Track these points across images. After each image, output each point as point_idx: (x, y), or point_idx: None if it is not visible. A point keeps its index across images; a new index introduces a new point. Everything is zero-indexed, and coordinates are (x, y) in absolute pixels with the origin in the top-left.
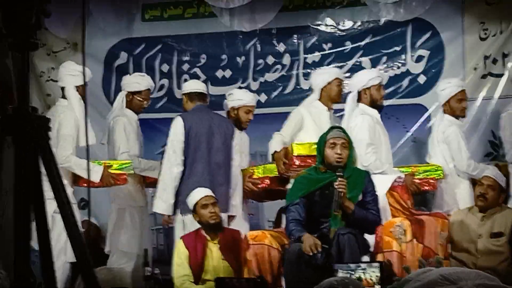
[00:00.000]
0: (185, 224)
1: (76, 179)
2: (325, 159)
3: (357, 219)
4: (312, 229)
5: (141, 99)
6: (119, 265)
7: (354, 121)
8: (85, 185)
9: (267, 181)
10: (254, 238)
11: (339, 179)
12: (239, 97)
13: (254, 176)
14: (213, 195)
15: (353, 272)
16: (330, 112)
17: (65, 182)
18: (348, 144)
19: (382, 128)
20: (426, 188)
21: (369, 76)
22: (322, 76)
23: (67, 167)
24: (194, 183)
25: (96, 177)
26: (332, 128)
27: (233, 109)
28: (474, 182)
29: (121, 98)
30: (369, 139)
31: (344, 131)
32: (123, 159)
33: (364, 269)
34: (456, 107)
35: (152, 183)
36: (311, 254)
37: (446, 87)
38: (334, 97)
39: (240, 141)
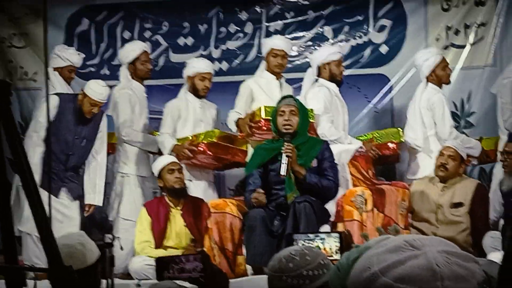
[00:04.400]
0: None
1: None
2: (277, 127)
3: (310, 184)
4: (269, 197)
5: (143, 62)
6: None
7: (311, 92)
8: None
9: (204, 147)
10: (216, 206)
11: (285, 144)
12: (193, 65)
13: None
14: (178, 161)
15: (311, 242)
16: (280, 80)
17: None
18: (298, 112)
19: (340, 100)
20: (387, 152)
21: (329, 51)
22: (264, 46)
23: None
24: None
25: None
26: (283, 97)
27: (189, 78)
28: None
29: (124, 72)
30: (323, 108)
31: (295, 99)
32: (128, 133)
33: (323, 239)
34: (442, 74)
35: None
36: (260, 203)
37: (429, 57)
38: (271, 68)
39: (199, 110)
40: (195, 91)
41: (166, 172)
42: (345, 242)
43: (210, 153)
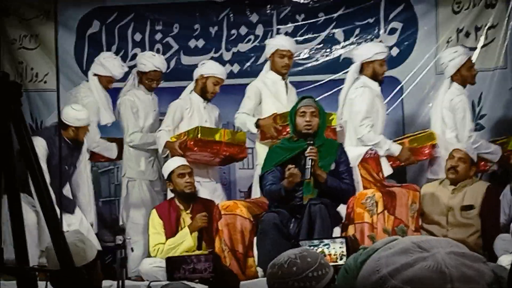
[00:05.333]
0: None
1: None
2: (296, 127)
3: (330, 188)
4: (286, 197)
5: (148, 80)
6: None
7: (354, 93)
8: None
9: (190, 143)
10: (226, 208)
11: (310, 147)
12: (211, 66)
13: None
14: (188, 164)
15: (316, 248)
16: (285, 81)
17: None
18: (319, 113)
19: (381, 102)
20: (422, 158)
21: (376, 50)
22: (268, 46)
23: (97, 151)
24: None
25: (114, 153)
26: (303, 98)
27: (202, 77)
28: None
29: (132, 75)
30: (365, 112)
31: (314, 100)
32: (132, 139)
33: (327, 244)
34: (467, 75)
35: None
36: (295, 181)
37: (455, 56)
38: (277, 68)
39: (204, 110)
40: (203, 92)
41: (176, 176)
42: (352, 247)
43: (196, 149)
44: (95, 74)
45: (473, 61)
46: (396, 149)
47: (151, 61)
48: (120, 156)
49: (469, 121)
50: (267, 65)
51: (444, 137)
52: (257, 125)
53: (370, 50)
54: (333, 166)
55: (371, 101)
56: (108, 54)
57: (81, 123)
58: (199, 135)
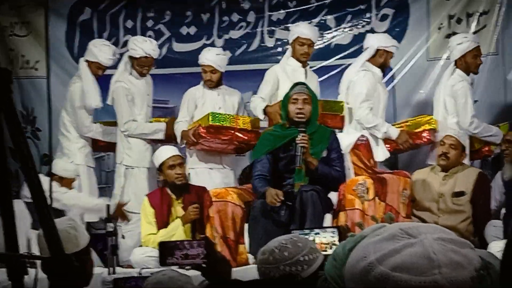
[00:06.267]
0: None
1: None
2: (288, 115)
3: (321, 175)
4: (277, 184)
5: (139, 66)
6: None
7: (356, 75)
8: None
9: (202, 130)
10: (217, 195)
11: (301, 134)
12: (206, 56)
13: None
14: (180, 154)
15: (308, 236)
16: (306, 68)
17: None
18: (311, 100)
19: (383, 87)
20: (420, 142)
21: (394, 43)
22: (290, 32)
23: (91, 136)
24: None
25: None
26: (296, 84)
27: (202, 66)
28: (470, 140)
29: (124, 61)
30: (365, 94)
31: (307, 87)
32: (127, 128)
33: (317, 233)
34: (471, 62)
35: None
36: (275, 205)
37: (463, 41)
38: (297, 56)
39: (218, 97)
40: (208, 81)
41: (166, 167)
42: (344, 236)
43: (209, 136)
44: (86, 61)
45: (480, 50)
46: (394, 132)
47: (141, 46)
48: None
49: (470, 107)
50: (289, 51)
51: (446, 123)
52: (265, 111)
53: (387, 39)
54: (324, 153)
55: (372, 85)
56: (100, 40)
57: (68, 174)
58: (210, 121)
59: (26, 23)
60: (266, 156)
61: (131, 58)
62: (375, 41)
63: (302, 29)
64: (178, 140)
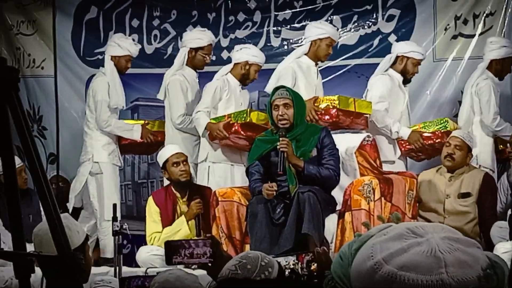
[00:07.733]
0: None
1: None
2: (273, 121)
3: (308, 175)
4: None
5: (204, 55)
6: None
7: (374, 78)
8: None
9: (237, 126)
10: (223, 195)
11: (281, 139)
12: (256, 54)
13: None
14: (183, 151)
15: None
16: (316, 68)
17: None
18: (293, 103)
19: (403, 93)
20: (431, 142)
21: (413, 48)
22: (316, 30)
23: (109, 131)
24: None
25: (136, 135)
26: (276, 89)
27: (246, 63)
28: (495, 140)
29: (182, 55)
30: (380, 95)
31: (288, 89)
32: (180, 121)
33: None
34: (505, 68)
35: None
36: (271, 196)
37: (503, 45)
38: (320, 55)
39: (239, 94)
40: (243, 78)
41: (170, 165)
42: (319, 259)
43: (243, 133)
44: (112, 57)
45: None
46: (405, 132)
47: (206, 34)
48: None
49: (493, 104)
50: (303, 49)
51: (470, 121)
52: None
53: (409, 46)
54: (314, 153)
55: (389, 87)
56: (121, 35)
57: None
58: (251, 119)
59: (33, 22)
60: (258, 162)
61: (192, 50)
62: (396, 48)
63: (334, 31)
64: (201, 131)
